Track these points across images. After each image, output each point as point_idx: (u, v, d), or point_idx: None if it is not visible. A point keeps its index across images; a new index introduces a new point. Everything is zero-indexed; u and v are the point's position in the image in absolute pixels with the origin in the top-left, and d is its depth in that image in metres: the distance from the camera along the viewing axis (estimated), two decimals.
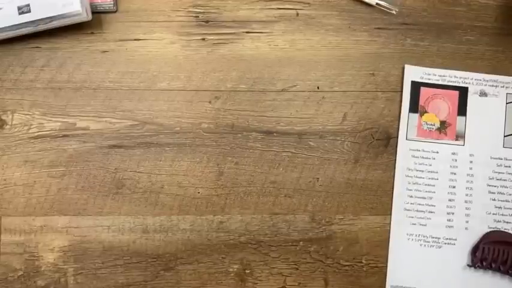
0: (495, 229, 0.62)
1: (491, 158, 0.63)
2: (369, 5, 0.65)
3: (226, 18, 0.64)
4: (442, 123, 0.64)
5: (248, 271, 0.61)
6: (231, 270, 0.61)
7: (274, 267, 0.62)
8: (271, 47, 0.64)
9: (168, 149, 0.62)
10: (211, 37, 0.64)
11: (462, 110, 0.64)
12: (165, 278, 0.61)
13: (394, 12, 0.64)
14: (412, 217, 0.62)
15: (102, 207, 0.61)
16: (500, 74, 0.64)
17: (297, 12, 0.64)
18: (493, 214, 0.62)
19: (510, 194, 0.63)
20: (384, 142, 0.63)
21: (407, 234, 0.62)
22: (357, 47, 0.64)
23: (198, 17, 0.64)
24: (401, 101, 0.64)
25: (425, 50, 0.64)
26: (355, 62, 0.64)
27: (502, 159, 0.63)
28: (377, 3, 0.64)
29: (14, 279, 0.60)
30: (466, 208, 0.62)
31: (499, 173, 0.63)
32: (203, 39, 0.64)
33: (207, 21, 0.64)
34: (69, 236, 0.61)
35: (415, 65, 0.64)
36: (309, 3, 0.65)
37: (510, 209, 0.62)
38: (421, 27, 0.65)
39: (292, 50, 0.64)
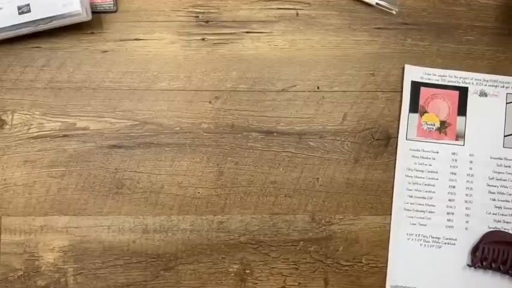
0: (495, 229, 0.62)
1: (491, 158, 0.63)
2: (369, 5, 0.65)
3: (226, 18, 0.64)
4: (442, 123, 0.64)
5: (248, 271, 0.61)
6: (231, 270, 0.61)
7: (274, 267, 0.62)
8: (271, 47, 0.64)
9: (168, 149, 0.62)
10: (211, 37, 0.64)
11: (462, 110, 0.64)
12: (165, 278, 0.61)
13: (394, 12, 0.64)
14: (412, 217, 0.62)
15: (102, 207, 0.61)
16: (500, 74, 0.64)
17: (297, 12, 0.64)
18: (493, 214, 0.62)
19: (510, 194, 0.63)
20: (384, 142, 0.63)
21: (407, 234, 0.62)
22: (357, 47, 0.64)
23: (198, 17, 0.64)
24: (401, 101, 0.64)
25: (425, 50, 0.64)
26: (355, 62, 0.64)
27: (502, 159, 0.63)
28: (377, 3, 0.64)
29: (14, 279, 0.60)
30: (466, 208, 0.62)
31: (499, 173, 0.63)
32: (203, 39, 0.64)
33: (207, 21, 0.64)
34: (69, 236, 0.61)
35: (415, 65, 0.64)
36: (309, 3, 0.65)
37: (510, 209, 0.62)
38: (421, 27, 0.65)
39: (292, 50, 0.64)
